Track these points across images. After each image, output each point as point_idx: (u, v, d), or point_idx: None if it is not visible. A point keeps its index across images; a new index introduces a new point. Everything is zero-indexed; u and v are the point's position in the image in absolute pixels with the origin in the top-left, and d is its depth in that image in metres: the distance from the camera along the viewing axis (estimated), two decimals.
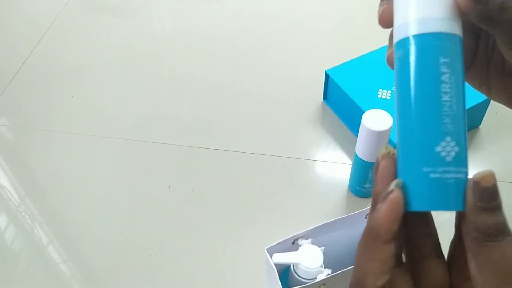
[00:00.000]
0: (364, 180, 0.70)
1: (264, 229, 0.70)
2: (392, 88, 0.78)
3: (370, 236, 0.24)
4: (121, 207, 0.75)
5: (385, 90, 0.78)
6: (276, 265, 0.50)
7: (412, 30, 0.24)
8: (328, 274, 0.50)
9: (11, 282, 0.68)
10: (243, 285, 0.65)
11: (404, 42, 0.24)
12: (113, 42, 1.02)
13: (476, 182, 0.22)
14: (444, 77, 0.23)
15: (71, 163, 0.81)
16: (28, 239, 0.72)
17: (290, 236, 0.52)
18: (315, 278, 0.51)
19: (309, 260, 0.51)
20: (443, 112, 0.23)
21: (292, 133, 0.83)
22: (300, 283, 0.50)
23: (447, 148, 0.23)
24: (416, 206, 0.24)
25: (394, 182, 0.24)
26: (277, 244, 0.51)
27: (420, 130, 0.24)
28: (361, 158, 0.66)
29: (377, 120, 0.61)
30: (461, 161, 0.23)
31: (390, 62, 0.26)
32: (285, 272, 0.56)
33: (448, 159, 0.23)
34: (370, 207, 0.25)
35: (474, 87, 0.31)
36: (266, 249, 0.51)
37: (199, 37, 1.01)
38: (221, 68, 0.95)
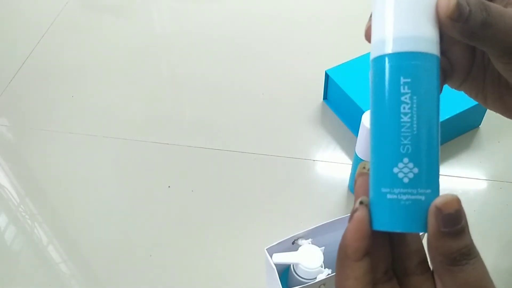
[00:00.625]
0: None
1: (264, 229, 0.70)
2: None
3: (340, 255, 0.24)
4: (121, 207, 0.75)
5: None
6: (276, 265, 0.50)
7: (379, 50, 0.24)
8: (328, 274, 0.50)
9: (11, 282, 0.68)
10: (243, 285, 0.65)
11: (374, 61, 0.24)
12: (113, 42, 1.02)
13: (438, 208, 0.22)
14: (404, 98, 0.23)
15: (71, 163, 0.81)
16: (28, 239, 0.72)
17: (290, 236, 0.52)
18: (315, 278, 0.51)
19: (309, 260, 0.51)
20: (402, 133, 0.23)
21: (292, 133, 0.83)
22: (300, 283, 0.50)
23: (404, 170, 0.23)
24: (378, 225, 0.24)
25: (359, 200, 0.24)
26: (277, 244, 0.51)
27: (379, 151, 0.24)
28: (361, 158, 0.66)
29: None
30: (421, 183, 0.23)
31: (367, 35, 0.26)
32: (285, 272, 0.56)
33: (405, 180, 0.23)
34: None
35: (471, 96, 0.31)
36: (266, 249, 0.51)
37: (199, 37, 1.01)
38: (221, 68, 0.95)
